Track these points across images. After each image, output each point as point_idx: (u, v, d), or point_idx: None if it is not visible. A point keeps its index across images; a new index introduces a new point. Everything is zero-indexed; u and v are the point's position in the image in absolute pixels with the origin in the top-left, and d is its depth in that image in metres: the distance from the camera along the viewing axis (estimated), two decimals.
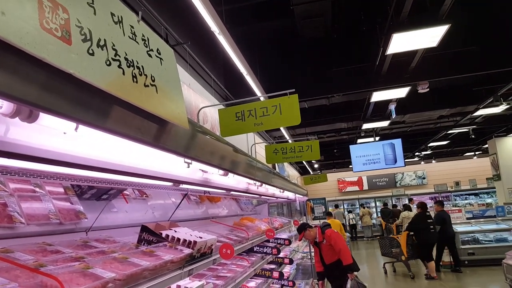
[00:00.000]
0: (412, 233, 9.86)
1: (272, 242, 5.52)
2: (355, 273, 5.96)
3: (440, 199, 21.02)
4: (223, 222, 4.63)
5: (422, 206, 10.07)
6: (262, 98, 5.88)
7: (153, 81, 1.16)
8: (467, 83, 8.84)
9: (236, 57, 5.74)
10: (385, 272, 10.55)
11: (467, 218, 11.71)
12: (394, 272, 10.51)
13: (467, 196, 21.08)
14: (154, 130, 1.21)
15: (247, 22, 6.56)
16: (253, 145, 5.57)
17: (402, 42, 5.63)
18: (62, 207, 2.15)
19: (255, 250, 4.48)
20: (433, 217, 10.10)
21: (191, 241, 2.24)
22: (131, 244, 2.22)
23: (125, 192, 2.95)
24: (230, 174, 2.26)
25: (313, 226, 6.38)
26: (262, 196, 5.05)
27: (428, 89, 8.18)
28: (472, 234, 10.78)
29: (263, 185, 3.67)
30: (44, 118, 0.85)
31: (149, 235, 2.34)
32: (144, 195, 3.22)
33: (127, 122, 1.05)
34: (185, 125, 1.35)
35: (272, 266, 5.27)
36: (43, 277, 1.37)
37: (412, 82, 7.34)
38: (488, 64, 7.04)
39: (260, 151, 7.32)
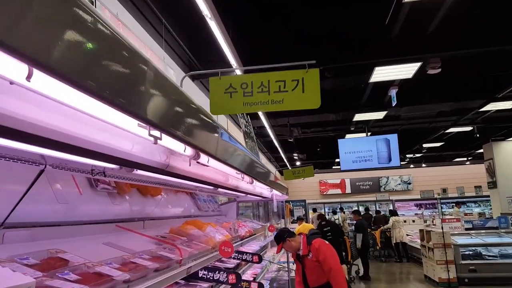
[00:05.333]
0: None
1: (234, 258, 3.79)
2: None
3: (426, 206, 19.84)
4: (147, 229, 2.89)
5: (320, 216, 10.96)
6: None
7: None
8: (488, 65, 7.28)
9: None
10: None
11: (466, 229, 10.30)
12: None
13: (453, 204, 19.92)
14: None
15: None
16: (184, 77, 3.56)
17: None
18: None
19: (201, 276, 2.72)
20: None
21: None
22: None
23: None
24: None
25: (296, 233, 4.68)
26: (220, 189, 3.29)
27: (439, 70, 6.63)
28: (474, 248, 9.35)
29: (215, 162, 1.94)
30: None
31: None
32: None
33: None
34: None
35: None
36: None
37: (426, 55, 5.75)
38: None
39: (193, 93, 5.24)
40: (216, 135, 1.72)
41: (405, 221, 14.99)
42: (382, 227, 13.70)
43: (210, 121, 1.62)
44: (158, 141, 1.13)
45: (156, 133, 1.10)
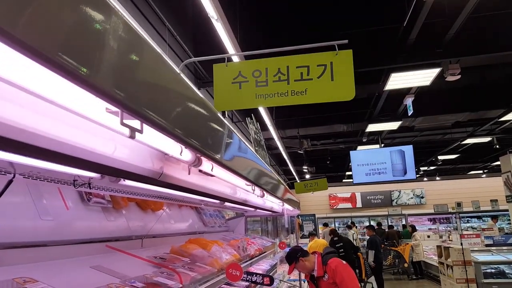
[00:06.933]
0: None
1: (243, 280, 3.42)
2: None
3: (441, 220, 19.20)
4: (146, 248, 2.56)
5: (332, 232, 10.89)
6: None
7: None
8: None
9: None
10: None
11: (486, 245, 9.74)
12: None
13: (468, 219, 19.24)
14: None
15: None
16: (183, 64, 3.20)
17: None
18: None
19: None
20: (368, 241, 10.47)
21: None
22: None
23: None
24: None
25: (309, 251, 4.29)
26: (227, 204, 2.96)
27: (459, 76, 6.27)
28: (496, 266, 8.79)
29: (221, 170, 1.62)
30: None
31: None
32: None
33: None
34: None
35: None
36: None
37: (446, 59, 5.42)
38: None
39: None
40: (222, 135, 1.39)
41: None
42: (411, 243, 13.17)
43: (215, 117, 1.29)
44: (138, 135, 0.79)
45: (134, 123, 0.78)
